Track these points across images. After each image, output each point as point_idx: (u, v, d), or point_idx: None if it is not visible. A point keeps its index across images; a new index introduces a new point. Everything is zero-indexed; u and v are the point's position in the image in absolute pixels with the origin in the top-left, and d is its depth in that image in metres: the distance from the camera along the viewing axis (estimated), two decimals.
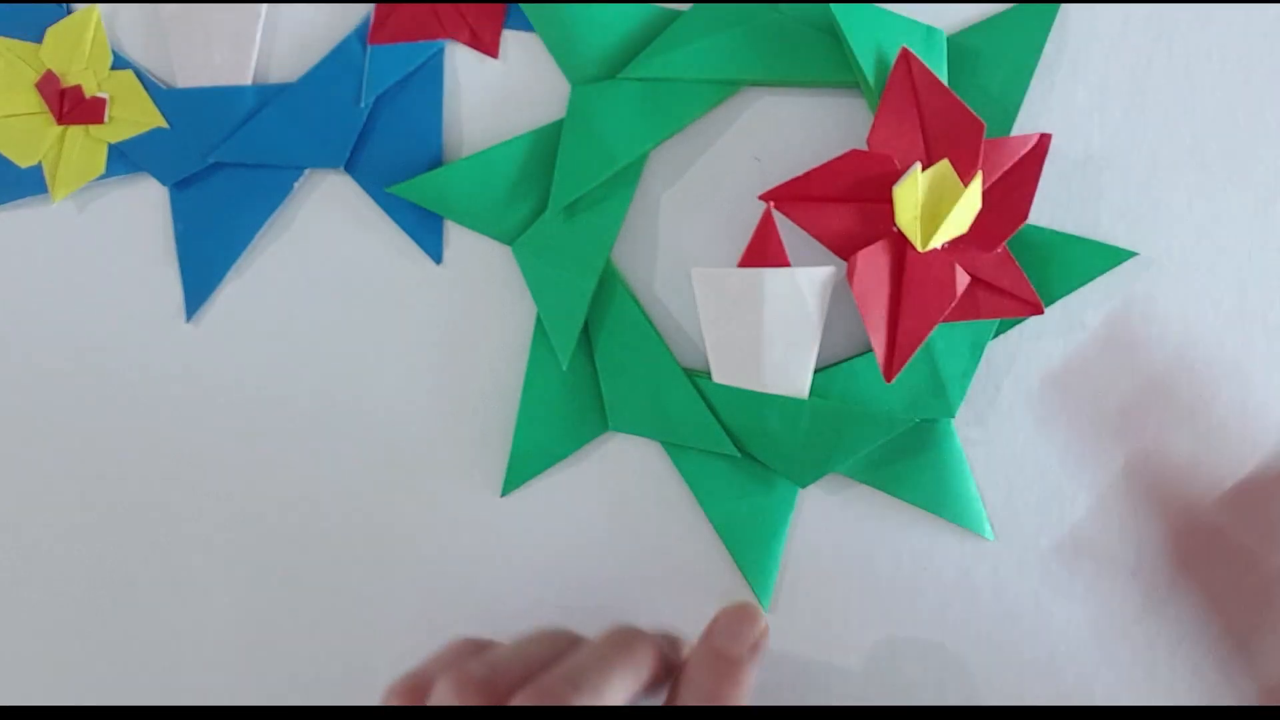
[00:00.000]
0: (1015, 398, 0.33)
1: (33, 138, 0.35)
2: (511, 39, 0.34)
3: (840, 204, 0.31)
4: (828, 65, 0.32)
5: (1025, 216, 0.31)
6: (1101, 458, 0.33)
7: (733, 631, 0.30)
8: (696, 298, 0.33)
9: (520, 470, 0.35)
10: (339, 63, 0.34)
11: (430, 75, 0.34)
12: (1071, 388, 0.33)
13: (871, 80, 0.31)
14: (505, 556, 0.35)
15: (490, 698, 0.27)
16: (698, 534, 0.34)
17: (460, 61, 0.34)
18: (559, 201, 0.33)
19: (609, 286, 0.34)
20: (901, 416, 0.33)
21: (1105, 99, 0.33)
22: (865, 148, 0.31)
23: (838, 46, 0.32)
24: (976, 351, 0.33)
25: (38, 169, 0.35)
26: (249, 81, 0.34)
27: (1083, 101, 0.33)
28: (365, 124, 0.34)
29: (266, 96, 0.35)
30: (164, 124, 0.35)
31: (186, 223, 0.35)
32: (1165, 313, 0.33)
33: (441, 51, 0.34)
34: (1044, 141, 0.31)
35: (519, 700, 0.26)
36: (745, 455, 0.34)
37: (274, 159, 0.35)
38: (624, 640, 0.29)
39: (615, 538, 0.35)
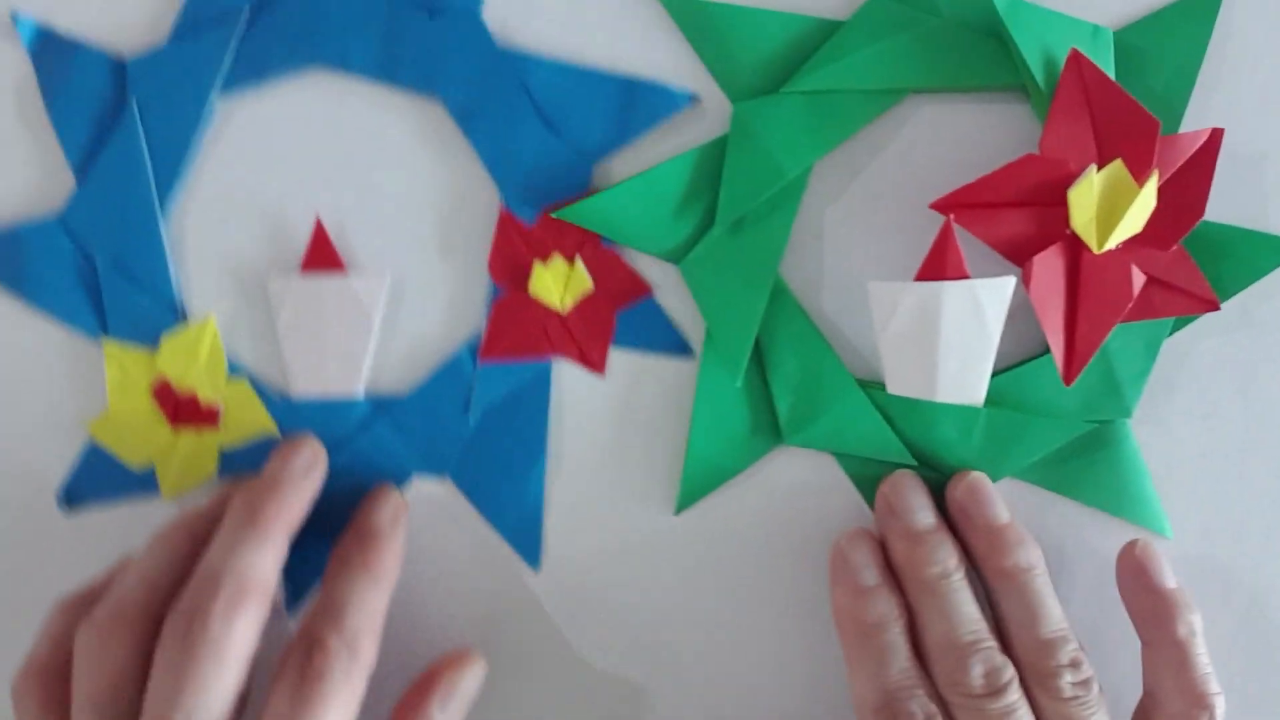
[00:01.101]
0: (1190, 395, 0.34)
1: (145, 441, 0.35)
2: (618, 358, 0.35)
3: (1014, 209, 0.31)
4: (991, 68, 0.33)
5: (1201, 213, 0.31)
6: (1276, 453, 0.34)
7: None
8: (872, 312, 0.33)
9: (694, 487, 0.35)
10: (449, 377, 0.35)
11: (537, 390, 0.35)
12: (1247, 384, 0.34)
13: (1040, 82, 0.32)
14: (681, 575, 0.36)
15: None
16: None
17: (567, 377, 0.35)
18: (726, 217, 0.33)
19: (778, 300, 0.34)
20: (1078, 420, 0.33)
21: (1273, 91, 0.33)
22: (1035, 151, 0.31)
23: (1001, 49, 0.32)
24: (1152, 350, 0.33)
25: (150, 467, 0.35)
26: (360, 393, 0.35)
27: (1250, 94, 0.33)
28: (472, 434, 0.35)
29: (377, 408, 0.35)
30: (276, 432, 0.35)
31: None
32: None
33: (549, 368, 0.35)
34: (1216, 136, 0.31)
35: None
36: (921, 464, 0.34)
37: (383, 469, 0.35)
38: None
39: (791, 552, 0.35)
